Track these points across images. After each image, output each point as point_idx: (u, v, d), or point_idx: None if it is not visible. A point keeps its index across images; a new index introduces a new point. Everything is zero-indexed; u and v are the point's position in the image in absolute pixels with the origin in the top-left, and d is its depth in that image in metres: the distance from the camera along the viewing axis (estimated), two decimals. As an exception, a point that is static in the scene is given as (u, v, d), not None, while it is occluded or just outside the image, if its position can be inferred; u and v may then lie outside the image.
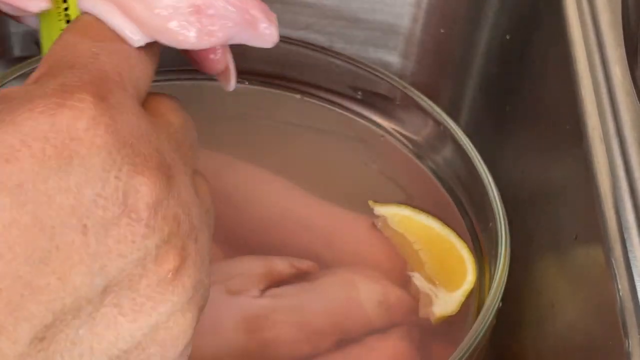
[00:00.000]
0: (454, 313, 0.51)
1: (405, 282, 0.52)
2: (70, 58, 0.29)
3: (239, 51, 0.63)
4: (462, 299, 0.51)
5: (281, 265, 0.51)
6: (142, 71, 0.31)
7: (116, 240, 0.26)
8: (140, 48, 0.32)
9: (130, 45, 0.31)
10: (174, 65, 0.63)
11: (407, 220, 0.55)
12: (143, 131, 0.28)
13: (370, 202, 0.56)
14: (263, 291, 0.50)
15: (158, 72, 0.65)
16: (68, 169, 0.26)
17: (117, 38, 0.31)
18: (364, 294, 0.51)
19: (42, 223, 0.25)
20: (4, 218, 0.25)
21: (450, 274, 0.52)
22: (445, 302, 0.51)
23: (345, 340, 0.50)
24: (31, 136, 0.26)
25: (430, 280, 0.52)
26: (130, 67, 0.30)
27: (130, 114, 0.28)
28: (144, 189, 0.27)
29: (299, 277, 0.52)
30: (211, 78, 0.66)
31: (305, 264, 0.52)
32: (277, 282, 0.51)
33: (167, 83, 0.62)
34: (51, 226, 0.25)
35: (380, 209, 0.56)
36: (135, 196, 0.27)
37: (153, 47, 0.33)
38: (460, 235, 0.54)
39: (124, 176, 0.26)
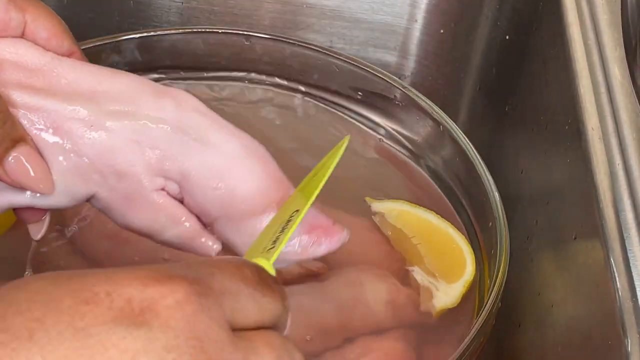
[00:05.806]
0: (454, 305, 0.51)
1: (404, 281, 0.52)
2: (202, 269, 0.31)
3: (237, 51, 0.64)
4: (463, 290, 0.51)
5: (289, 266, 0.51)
6: (245, 306, 0.31)
7: None
8: (256, 291, 0.32)
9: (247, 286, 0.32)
10: (174, 66, 0.63)
11: (404, 215, 0.55)
12: (219, 339, 0.29)
13: (368, 199, 0.56)
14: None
15: (160, 71, 0.65)
16: (134, 333, 0.27)
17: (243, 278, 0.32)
18: (372, 294, 0.51)
19: None
20: (57, 350, 0.26)
21: (450, 265, 0.52)
22: (446, 295, 0.51)
23: (353, 339, 0.50)
24: (118, 292, 0.28)
25: (430, 273, 0.52)
26: (235, 296, 0.31)
27: (213, 320, 0.29)
28: None
29: (308, 277, 0.52)
30: (210, 78, 0.66)
31: (315, 265, 0.52)
32: (285, 282, 0.51)
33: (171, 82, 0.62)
34: None
35: (378, 205, 0.56)
36: None
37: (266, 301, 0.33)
38: (460, 235, 0.54)
39: None
